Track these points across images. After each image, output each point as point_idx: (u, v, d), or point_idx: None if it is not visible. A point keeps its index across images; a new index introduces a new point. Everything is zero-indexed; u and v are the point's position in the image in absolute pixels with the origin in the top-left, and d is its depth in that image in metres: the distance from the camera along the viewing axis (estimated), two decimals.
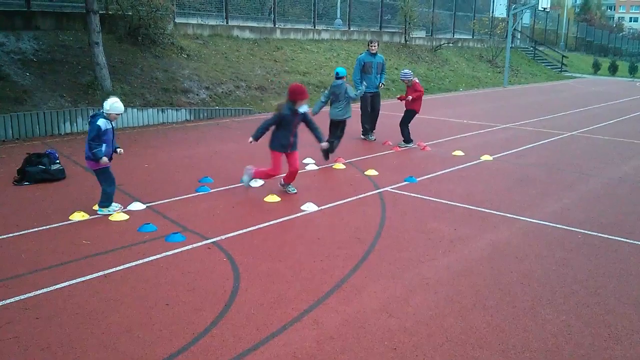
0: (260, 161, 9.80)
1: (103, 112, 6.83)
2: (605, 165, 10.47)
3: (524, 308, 4.76)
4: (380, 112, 12.56)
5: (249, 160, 9.91)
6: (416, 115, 11.80)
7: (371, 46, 12.22)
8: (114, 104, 6.82)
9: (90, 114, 7.21)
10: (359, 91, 11.05)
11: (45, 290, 4.86)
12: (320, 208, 7.34)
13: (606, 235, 6.63)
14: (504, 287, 5.15)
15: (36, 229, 6.35)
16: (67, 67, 13.78)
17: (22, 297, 4.73)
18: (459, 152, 11.01)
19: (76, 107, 12.66)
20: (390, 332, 4.31)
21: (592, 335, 4.35)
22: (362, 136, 12.36)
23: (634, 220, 7.28)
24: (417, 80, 11.92)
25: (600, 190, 8.72)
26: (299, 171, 9.23)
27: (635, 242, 6.45)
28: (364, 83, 11.59)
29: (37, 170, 8.23)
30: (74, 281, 5.04)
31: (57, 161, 8.57)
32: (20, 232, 6.24)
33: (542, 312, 4.70)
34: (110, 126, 6.92)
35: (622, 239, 6.52)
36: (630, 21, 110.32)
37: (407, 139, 11.71)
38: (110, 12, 15.99)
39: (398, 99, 12.09)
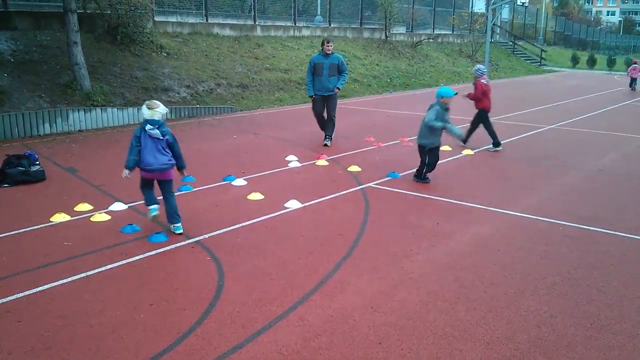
0: (242, 160, 9.78)
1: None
2: (585, 157, 10.59)
3: (507, 300, 4.81)
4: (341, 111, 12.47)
5: (230, 159, 9.91)
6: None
7: (326, 46, 11.09)
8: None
9: (152, 131, 6.07)
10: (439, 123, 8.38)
11: (27, 292, 4.81)
12: (303, 205, 7.34)
13: (586, 227, 6.71)
14: (487, 280, 5.20)
15: (17, 232, 6.28)
16: (45, 67, 13.62)
17: (4, 300, 4.67)
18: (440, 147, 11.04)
19: (55, 107, 12.53)
20: (375, 326, 4.33)
21: (575, 326, 4.40)
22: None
23: (613, 211, 7.37)
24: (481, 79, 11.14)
25: (579, 182, 8.82)
26: (283, 168, 9.24)
27: (614, 232, 6.54)
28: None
29: (16, 172, 8.14)
30: (56, 283, 4.99)
31: (37, 162, 8.48)
32: (1, 235, 6.17)
33: (525, 303, 4.75)
34: (141, 134, 6.08)
35: (602, 230, 6.60)
36: (608, 15, 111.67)
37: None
38: (89, 11, 15.84)
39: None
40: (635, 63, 27.38)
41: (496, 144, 11.08)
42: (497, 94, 22.46)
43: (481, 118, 11.29)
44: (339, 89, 11.34)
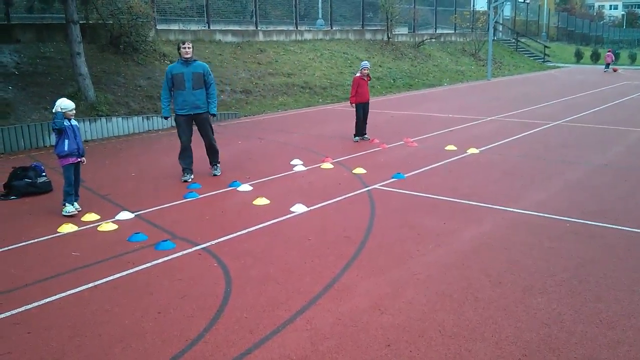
0: (247, 165, 9.79)
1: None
2: (589, 153, 10.55)
3: (515, 298, 4.79)
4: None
5: (235, 165, 9.92)
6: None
7: (182, 49, 8.67)
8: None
9: (74, 124, 7.82)
10: None
11: (35, 304, 4.83)
12: (309, 209, 7.34)
13: (592, 222, 6.68)
14: (495, 279, 5.18)
15: (24, 243, 6.31)
16: (49, 79, 13.70)
17: (13, 312, 4.69)
18: (445, 147, 11.05)
19: None
20: (383, 329, 4.32)
21: (584, 323, 4.38)
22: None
23: (619, 206, 7.34)
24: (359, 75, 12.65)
25: (584, 177, 8.79)
26: (288, 172, 9.25)
27: (621, 227, 6.50)
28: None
29: (23, 184, 8.19)
30: (64, 294, 5.01)
31: (44, 174, 8.53)
32: (8, 247, 6.20)
33: (533, 301, 4.73)
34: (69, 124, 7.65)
35: (608, 225, 6.57)
36: (610, 9, 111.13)
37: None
38: (91, 22, 15.93)
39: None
40: (610, 51, 35.42)
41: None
42: (502, 92, 22.45)
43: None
44: (214, 115, 9.11)
